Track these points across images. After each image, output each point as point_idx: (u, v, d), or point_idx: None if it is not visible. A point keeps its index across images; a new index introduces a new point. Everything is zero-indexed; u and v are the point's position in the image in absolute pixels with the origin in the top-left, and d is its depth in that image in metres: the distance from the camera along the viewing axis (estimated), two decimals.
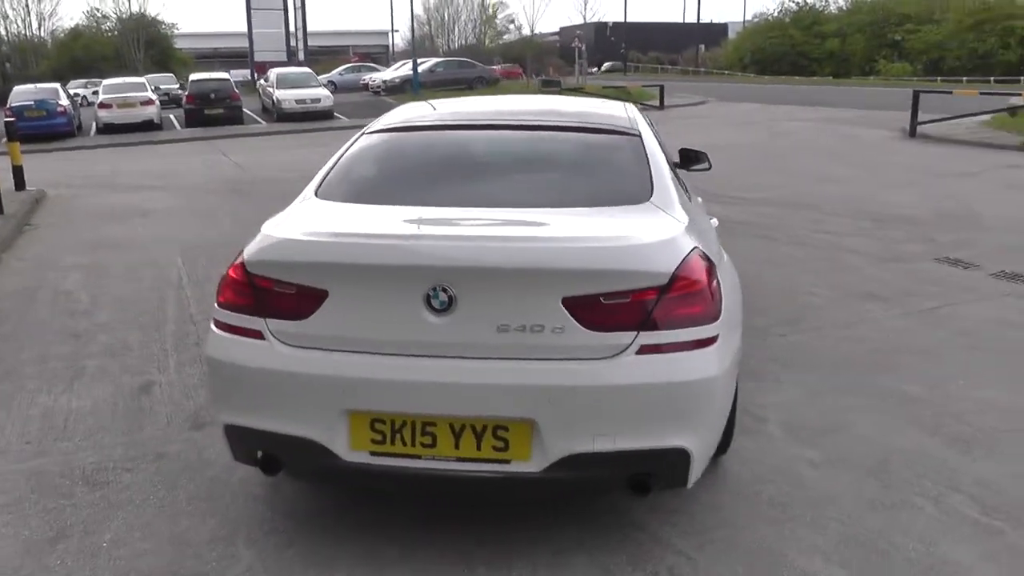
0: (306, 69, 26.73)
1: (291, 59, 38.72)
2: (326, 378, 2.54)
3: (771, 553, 2.80)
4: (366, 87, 34.17)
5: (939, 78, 41.62)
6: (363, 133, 3.60)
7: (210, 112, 22.33)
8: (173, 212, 9.79)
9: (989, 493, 3.20)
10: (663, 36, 74.33)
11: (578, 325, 2.43)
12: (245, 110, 23.58)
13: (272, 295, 2.61)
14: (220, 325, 2.75)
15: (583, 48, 40.42)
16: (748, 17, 67.11)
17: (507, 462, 2.52)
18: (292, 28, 41.06)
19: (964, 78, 39.40)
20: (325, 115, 23.25)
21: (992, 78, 28.88)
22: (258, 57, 39.57)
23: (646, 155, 3.30)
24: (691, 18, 75.61)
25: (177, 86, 33.78)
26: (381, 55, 68.23)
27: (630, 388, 2.44)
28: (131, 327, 5.37)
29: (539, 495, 2.92)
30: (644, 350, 2.45)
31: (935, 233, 8.08)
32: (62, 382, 4.44)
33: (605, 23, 70.98)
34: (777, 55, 57.20)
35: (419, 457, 2.55)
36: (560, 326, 2.43)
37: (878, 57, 49.34)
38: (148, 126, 21.39)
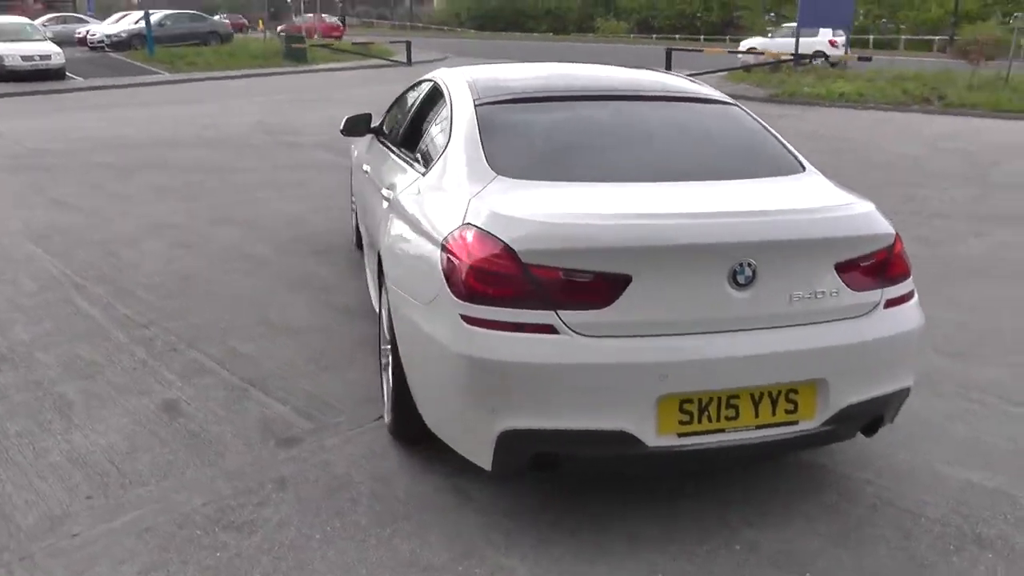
0: (24, 19, 22.58)
1: None
2: (640, 366, 2.45)
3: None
4: (83, 42, 29.78)
5: (653, 36, 45.73)
6: (478, 104, 3.31)
7: None
8: None
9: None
10: None
11: (847, 287, 2.65)
12: None
13: (562, 285, 2.43)
14: (479, 322, 2.46)
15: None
16: None
17: (795, 423, 2.64)
18: None
19: (676, 36, 43.72)
20: (57, 74, 20.05)
21: (702, 36, 32.36)
22: None
23: (759, 123, 3.50)
24: None
25: None
26: (66, 3, 59.65)
27: (888, 339, 2.72)
28: (68, 339, 4.38)
29: (802, 449, 3.04)
30: (888, 304, 2.75)
31: None
32: (52, 417, 3.52)
33: None
34: (494, 12, 58.98)
35: (723, 431, 2.57)
36: (836, 290, 2.63)
37: (594, 15, 52.93)
38: None
